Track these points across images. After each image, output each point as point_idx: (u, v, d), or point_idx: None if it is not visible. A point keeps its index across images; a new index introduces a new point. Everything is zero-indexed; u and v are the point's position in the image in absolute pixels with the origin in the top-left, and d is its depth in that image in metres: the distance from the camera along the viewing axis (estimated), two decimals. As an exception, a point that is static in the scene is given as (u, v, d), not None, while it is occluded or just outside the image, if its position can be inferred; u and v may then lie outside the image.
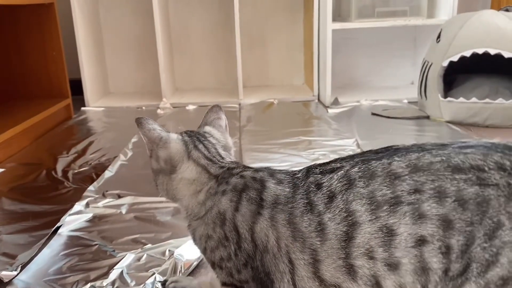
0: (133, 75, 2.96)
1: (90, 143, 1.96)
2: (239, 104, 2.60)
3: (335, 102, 2.50)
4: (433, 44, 2.22)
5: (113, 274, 0.98)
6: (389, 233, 0.59)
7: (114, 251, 1.09)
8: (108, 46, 2.92)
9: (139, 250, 1.08)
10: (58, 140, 2.05)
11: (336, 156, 1.71)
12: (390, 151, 0.64)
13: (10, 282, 0.98)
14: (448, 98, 2.08)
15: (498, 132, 1.94)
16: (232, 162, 0.78)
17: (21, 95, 2.35)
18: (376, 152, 0.66)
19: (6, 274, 1.00)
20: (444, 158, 0.59)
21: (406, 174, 0.59)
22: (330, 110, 2.42)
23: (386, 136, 1.94)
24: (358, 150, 1.74)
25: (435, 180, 0.58)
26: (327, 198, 0.63)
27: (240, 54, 2.59)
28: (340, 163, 0.66)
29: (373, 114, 2.29)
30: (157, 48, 2.56)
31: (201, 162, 0.75)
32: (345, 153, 1.71)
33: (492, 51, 1.94)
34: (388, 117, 2.22)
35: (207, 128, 0.81)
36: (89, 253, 1.09)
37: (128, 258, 1.05)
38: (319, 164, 0.69)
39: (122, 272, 0.99)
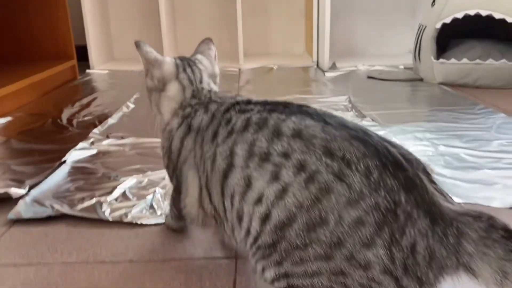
0: (137, 41, 3.01)
1: (94, 99, 2.03)
2: (239, 69, 2.66)
3: (333, 67, 2.56)
4: (428, 8, 2.28)
5: (116, 192, 1.07)
6: (248, 185, 0.61)
7: (117, 176, 1.17)
8: (112, 13, 2.99)
9: (141, 175, 1.16)
10: (63, 96, 2.13)
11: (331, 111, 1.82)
12: (298, 109, 0.65)
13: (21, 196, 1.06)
14: (440, 60, 2.13)
15: (488, 92, 2.00)
16: (204, 89, 0.84)
17: (27, 57, 2.42)
18: (287, 106, 0.67)
19: (15, 191, 1.08)
20: (328, 138, 0.57)
21: (287, 136, 0.60)
22: (327, 74, 2.48)
23: (379, 95, 2.01)
24: (350, 106, 1.81)
25: (305, 153, 0.57)
26: (226, 134, 0.67)
27: (241, 21, 2.65)
28: (254, 107, 0.69)
29: (369, 77, 2.35)
30: (159, 15, 2.62)
31: (183, 83, 0.84)
32: (337, 108, 1.78)
33: (484, 12, 1.99)
34: (383, 80, 2.28)
35: (198, 56, 0.90)
36: (94, 178, 1.17)
37: (131, 181, 1.13)
38: (246, 101, 0.73)
39: (124, 191, 1.08)
